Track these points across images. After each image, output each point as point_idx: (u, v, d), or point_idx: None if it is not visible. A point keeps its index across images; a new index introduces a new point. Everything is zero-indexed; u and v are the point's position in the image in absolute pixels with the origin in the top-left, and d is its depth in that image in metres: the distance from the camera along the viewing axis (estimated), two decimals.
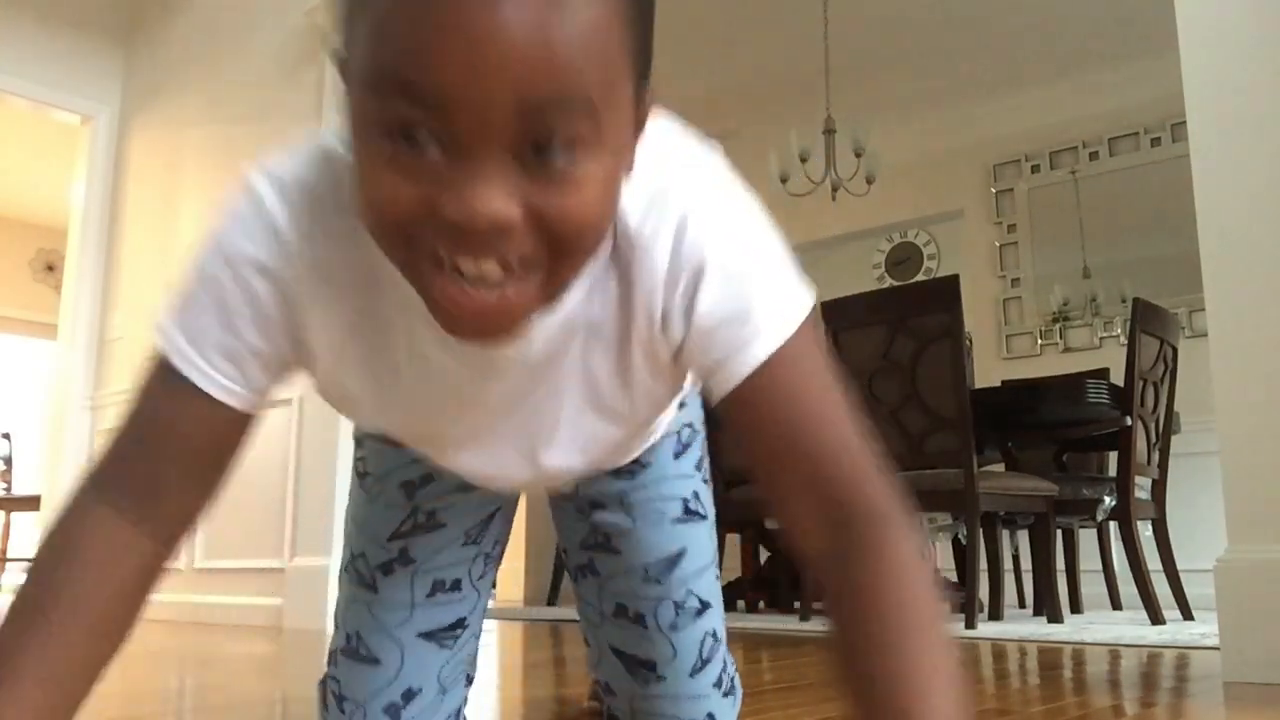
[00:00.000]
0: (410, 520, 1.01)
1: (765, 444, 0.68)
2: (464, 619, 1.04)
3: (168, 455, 0.69)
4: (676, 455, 1.03)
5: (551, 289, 0.59)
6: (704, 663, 1.00)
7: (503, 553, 1.09)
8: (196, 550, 3.94)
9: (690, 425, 1.05)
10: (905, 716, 0.55)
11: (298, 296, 0.68)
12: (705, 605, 1.01)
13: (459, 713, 1.06)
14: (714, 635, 1.02)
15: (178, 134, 4.54)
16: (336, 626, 1.04)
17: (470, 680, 1.09)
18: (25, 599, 0.66)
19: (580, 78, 0.52)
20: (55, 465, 4.60)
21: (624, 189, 0.62)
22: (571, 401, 0.75)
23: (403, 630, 1.00)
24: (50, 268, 7.91)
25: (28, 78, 4.63)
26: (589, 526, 1.04)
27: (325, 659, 1.04)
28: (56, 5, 4.72)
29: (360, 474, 1.06)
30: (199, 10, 4.58)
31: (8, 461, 7.39)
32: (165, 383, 0.68)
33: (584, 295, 0.68)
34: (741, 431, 0.69)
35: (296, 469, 3.55)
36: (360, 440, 1.06)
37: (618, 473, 1.00)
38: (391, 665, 0.99)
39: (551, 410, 0.76)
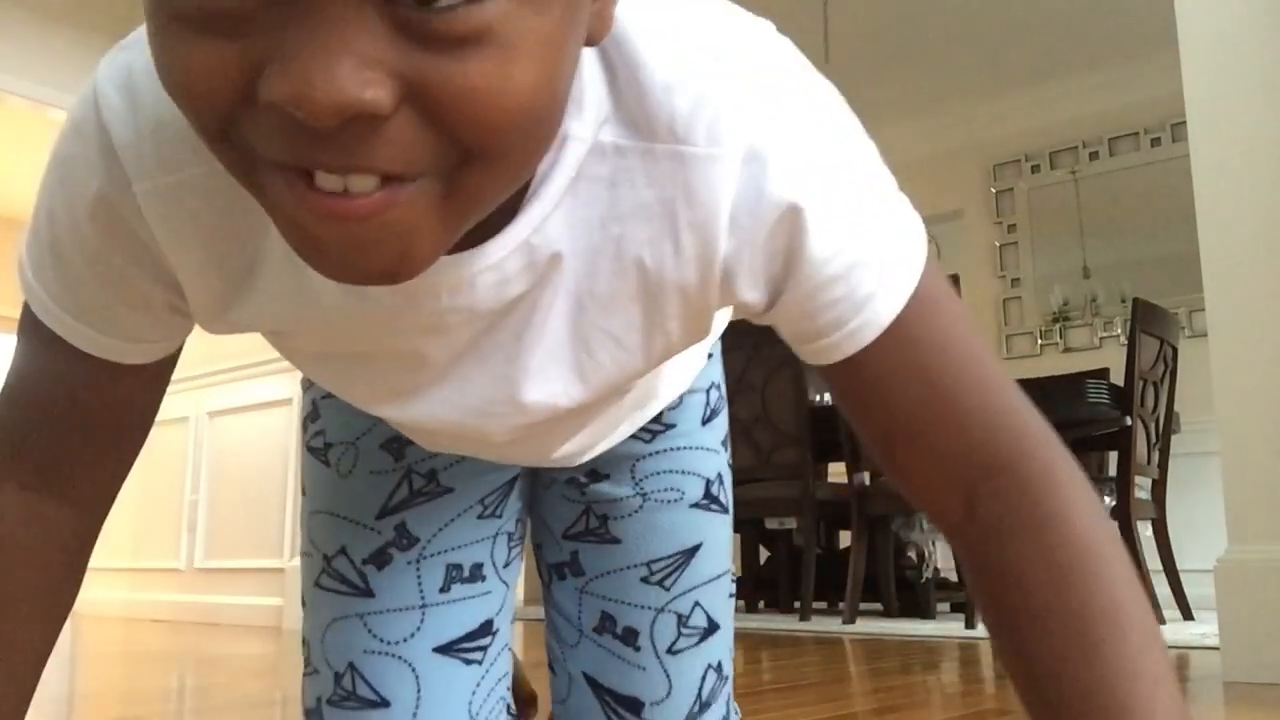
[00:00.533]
0: (405, 485, 0.76)
1: (898, 415, 0.53)
2: (490, 621, 0.77)
3: (67, 424, 0.56)
4: (704, 421, 0.82)
5: (462, 208, 0.40)
6: (704, 706, 0.79)
7: (525, 535, 0.84)
8: (197, 550, 3.94)
9: (716, 387, 0.85)
10: None
11: (156, 237, 0.50)
12: (714, 627, 0.80)
13: None
14: (719, 670, 0.80)
15: None
16: (314, 669, 0.76)
17: (512, 713, 0.81)
18: None
19: None
20: None
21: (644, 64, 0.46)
22: (550, 364, 0.54)
23: (413, 647, 0.74)
24: None
25: (26, 77, 4.64)
26: (581, 507, 0.80)
27: None
28: (55, 4, 4.72)
29: (319, 449, 0.79)
30: None
31: None
32: (43, 339, 0.54)
33: (566, 213, 0.48)
34: (861, 403, 0.54)
35: (296, 469, 3.55)
36: (314, 409, 0.81)
37: (636, 435, 0.79)
38: (405, 704, 0.72)
39: (519, 378, 0.55)
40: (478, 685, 0.76)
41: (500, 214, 0.46)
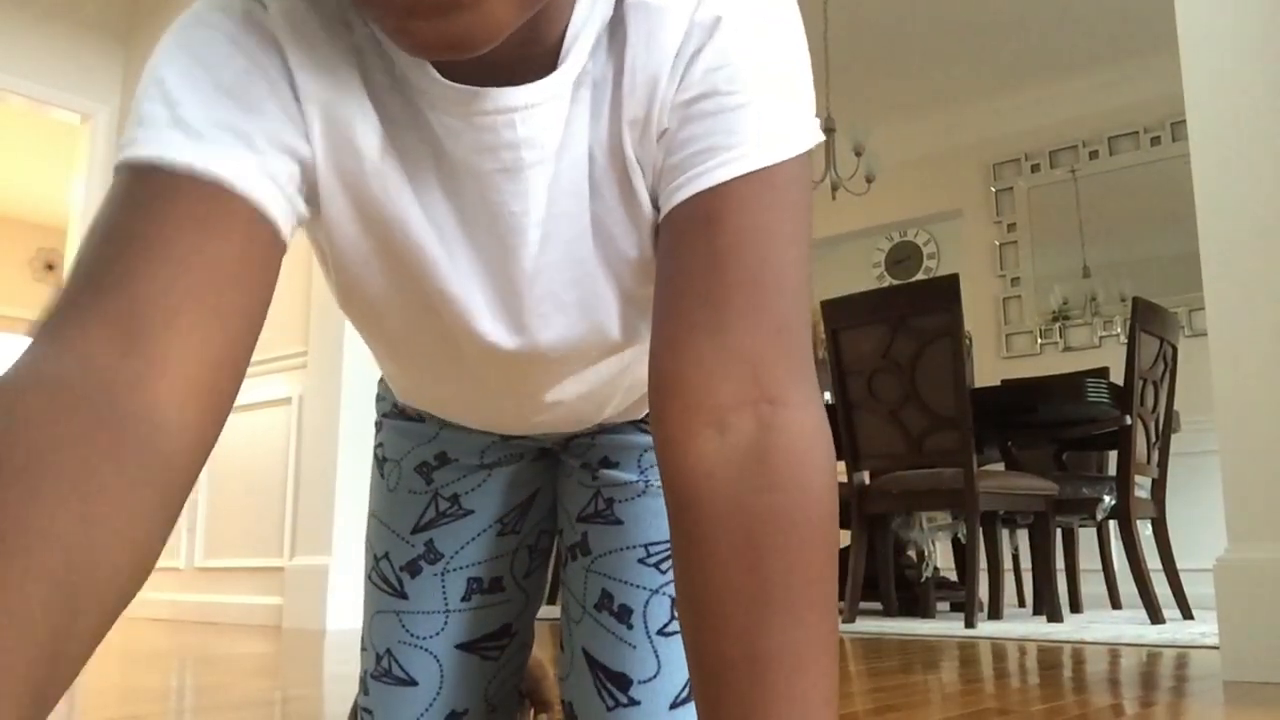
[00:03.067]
0: (432, 507, 0.89)
1: (697, 278, 0.54)
2: (509, 625, 0.89)
3: (175, 282, 0.47)
4: None
5: None
6: (682, 700, 0.81)
7: (551, 546, 0.94)
8: (197, 549, 3.94)
9: None
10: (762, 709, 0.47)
11: (289, 58, 0.54)
12: None
13: None
14: None
15: None
16: (365, 647, 0.91)
17: (524, 697, 0.95)
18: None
19: None
20: None
21: None
22: (574, 228, 0.61)
23: (438, 643, 0.87)
24: (50, 267, 7.91)
25: (26, 76, 4.64)
26: (593, 491, 0.88)
27: (357, 688, 0.92)
28: (55, 2, 4.72)
29: (380, 460, 0.93)
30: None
31: None
32: (160, 190, 0.50)
33: (585, 60, 0.58)
34: (674, 256, 0.56)
35: (296, 469, 3.55)
36: (380, 423, 0.94)
37: (642, 426, 0.87)
38: (430, 685, 0.86)
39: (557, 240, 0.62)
40: (494, 678, 0.89)
41: (544, 62, 0.56)
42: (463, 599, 0.88)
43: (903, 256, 7.69)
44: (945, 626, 3.23)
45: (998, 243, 5.82)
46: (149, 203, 0.49)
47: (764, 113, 0.55)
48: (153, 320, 0.46)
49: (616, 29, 0.57)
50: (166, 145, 0.50)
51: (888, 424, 3.35)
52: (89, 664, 2.28)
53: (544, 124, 0.57)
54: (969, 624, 3.11)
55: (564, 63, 0.56)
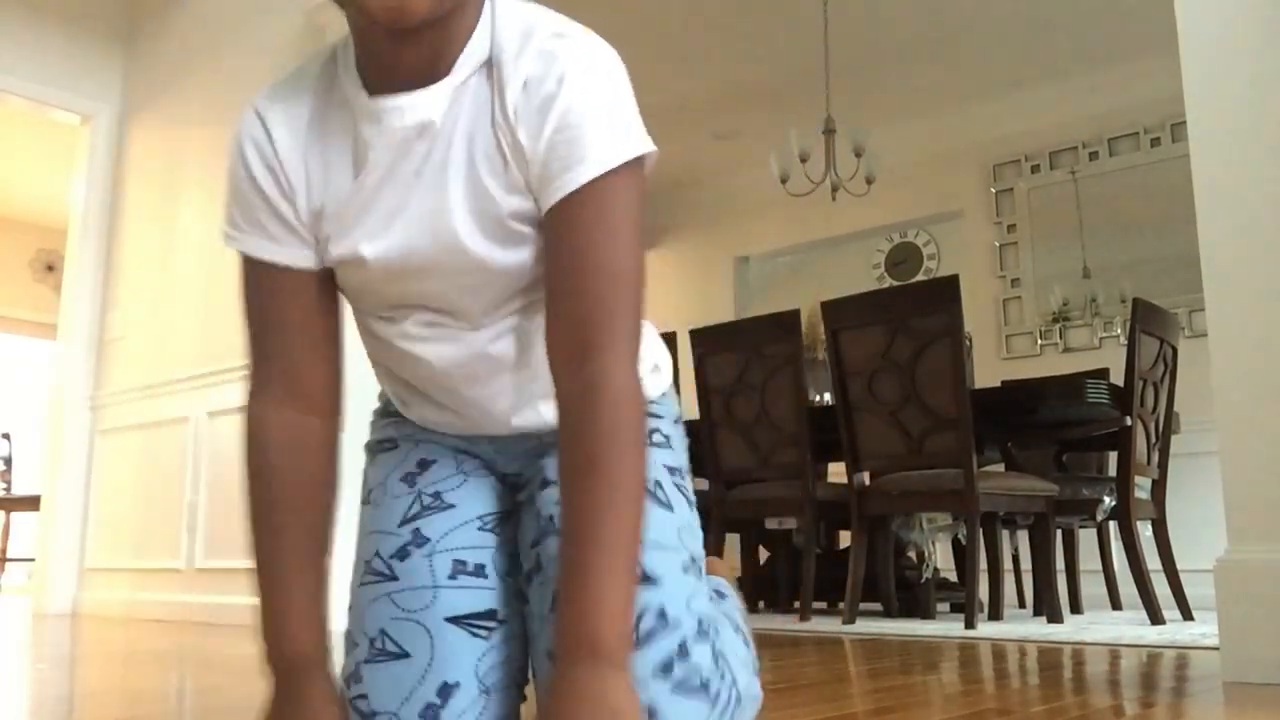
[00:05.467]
0: (416, 504, 1.01)
1: (556, 266, 0.86)
2: (494, 610, 0.96)
3: (280, 331, 0.91)
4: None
5: None
6: (640, 642, 0.86)
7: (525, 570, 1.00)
8: (197, 550, 3.94)
9: (670, 420, 1.08)
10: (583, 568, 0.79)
11: (279, 149, 0.89)
12: (649, 579, 0.89)
13: None
14: (661, 614, 0.88)
15: (178, 132, 4.54)
16: (353, 645, 0.96)
17: (522, 691, 0.98)
18: (256, 504, 0.91)
19: None
20: (55, 465, 4.60)
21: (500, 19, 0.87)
22: (458, 189, 0.88)
23: (428, 615, 0.94)
24: (50, 268, 7.91)
25: (26, 76, 4.63)
26: (540, 518, 0.97)
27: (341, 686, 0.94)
28: (54, 4, 4.71)
29: (365, 500, 1.06)
30: (198, 6, 4.57)
31: (7, 462, 7.38)
32: (244, 271, 0.91)
33: (462, 81, 0.86)
34: (547, 251, 0.87)
35: None
36: (365, 474, 1.09)
37: None
38: (421, 656, 0.92)
39: (450, 211, 0.88)
40: (484, 655, 0.94)
41: (436, 73, 0.86)
42: (449, 577, 0.96)
43: (902, 258, 7.69)
44: (945, 627, 3.23)
45: (998, 243, 5.82)
46: (261, 284, 0.92)
47: (597, 139, 0.83)
48: (304, 378, 0.93)
49: (492, 68, 0.86)
50: (251, 246, 0.91)
51: (888, 425, 3.35)
52: (91, 664, 2.27)
53: (432, 109, 0.86)
54: (969, 625, 3.11)
55: (451, 76, 0.86)
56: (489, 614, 0.96)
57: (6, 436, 7.38)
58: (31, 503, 6.25)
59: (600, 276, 0.83)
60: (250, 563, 0.92)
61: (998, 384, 4.44)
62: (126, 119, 4.89)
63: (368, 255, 0.90)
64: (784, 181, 4.92)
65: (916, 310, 3.29)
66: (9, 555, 6.95)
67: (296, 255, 0.90)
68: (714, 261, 7.05)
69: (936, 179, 6.06)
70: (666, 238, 7.18)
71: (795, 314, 3.69)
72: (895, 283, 7.34)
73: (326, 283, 0.92)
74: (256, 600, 0.91)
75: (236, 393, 3.87)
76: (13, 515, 6.84)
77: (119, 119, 4.90)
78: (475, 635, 0.94)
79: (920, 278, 7.25)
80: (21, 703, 1.65)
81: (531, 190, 0.86)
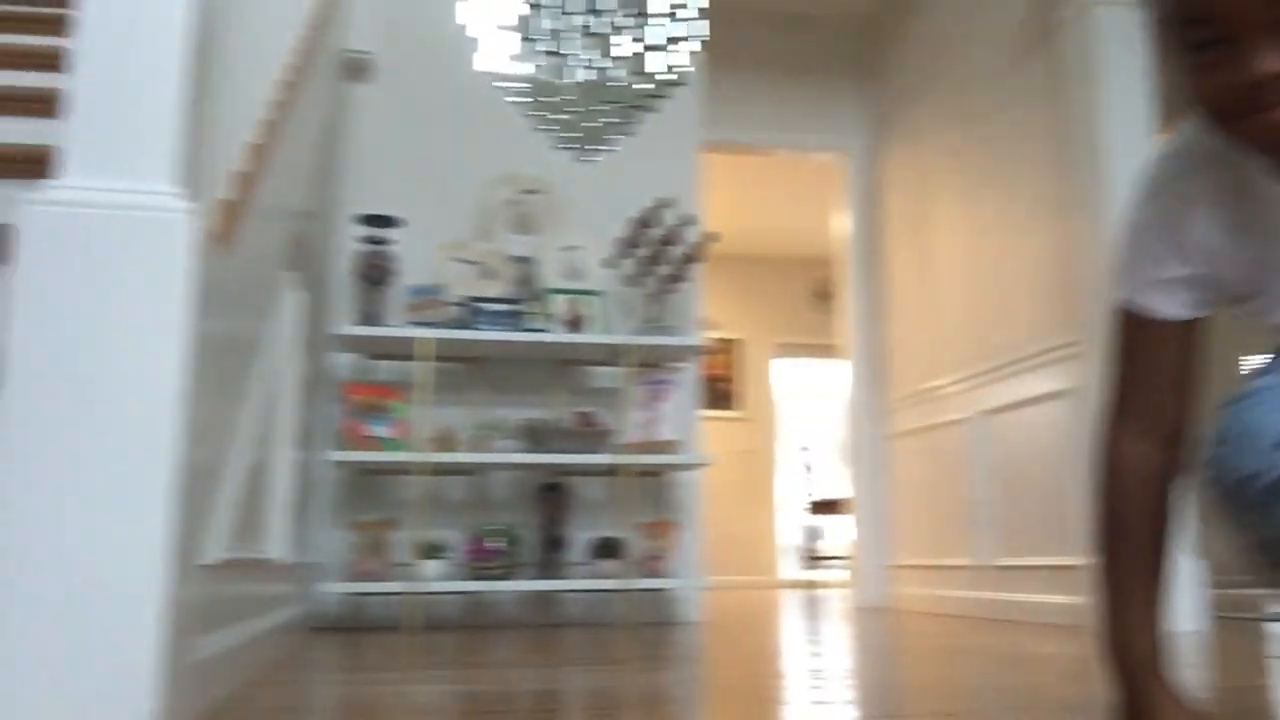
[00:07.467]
0: None
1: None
2: None
3: (1155, 380, 1.05)
4: None
5: None
6: None
7: None
8: (986, 547, 4.02)
9: None
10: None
11: (1180, 216, 1.01)
12: None
13: None
14: None
15: (920, 150, 4.77)
16: None
17: None
18: (1106, 523, 1.06)
19: None
20: (854, 470, 5.15)
21: None
22: None
23: None
24: (820, 294, 8.78)
25: (789, 128, 5.25)
26: None
27: None
28: (801, 63, 5.26)
29: None
30: (923, 36, 4.78)
31: (809, 469, 8.36)
32: (1127, 325, 1.05)
33: None
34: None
35: (1078, 462, 3.44)
36: None
37: None
38: None
39: None
40: None
41: None
42: None
43: None
44: None
45: None
46: (1130, 334, 1.07)
47: None
48: (1161, 421, 1.06)
49: None
50: (1125, 301, 1.07)
51: None
52: (905, 658, 2.43)
53: None
54: None
55: None
56: None
57: (806, 449, 8.36)
58: (833, 506, 6.99)
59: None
60: (1094, 573, 1.06)
61: None
62: (875, 150, 5.27)
63: None
64: None
65: None
66: (823, 555, 7.88)
67: (1179, 311, 1.05)
68: None
69: None
70: None
71: None
72: None
73: (1200, 338, 1.05)
74: (1100, 607, 1.04)
75: (1013, 389, 3.89)
76: (820, 516, 7.74)
77: (868, 151, 5.30)
78: None
79: None
80: (859, 689, 1.81)
81: None
